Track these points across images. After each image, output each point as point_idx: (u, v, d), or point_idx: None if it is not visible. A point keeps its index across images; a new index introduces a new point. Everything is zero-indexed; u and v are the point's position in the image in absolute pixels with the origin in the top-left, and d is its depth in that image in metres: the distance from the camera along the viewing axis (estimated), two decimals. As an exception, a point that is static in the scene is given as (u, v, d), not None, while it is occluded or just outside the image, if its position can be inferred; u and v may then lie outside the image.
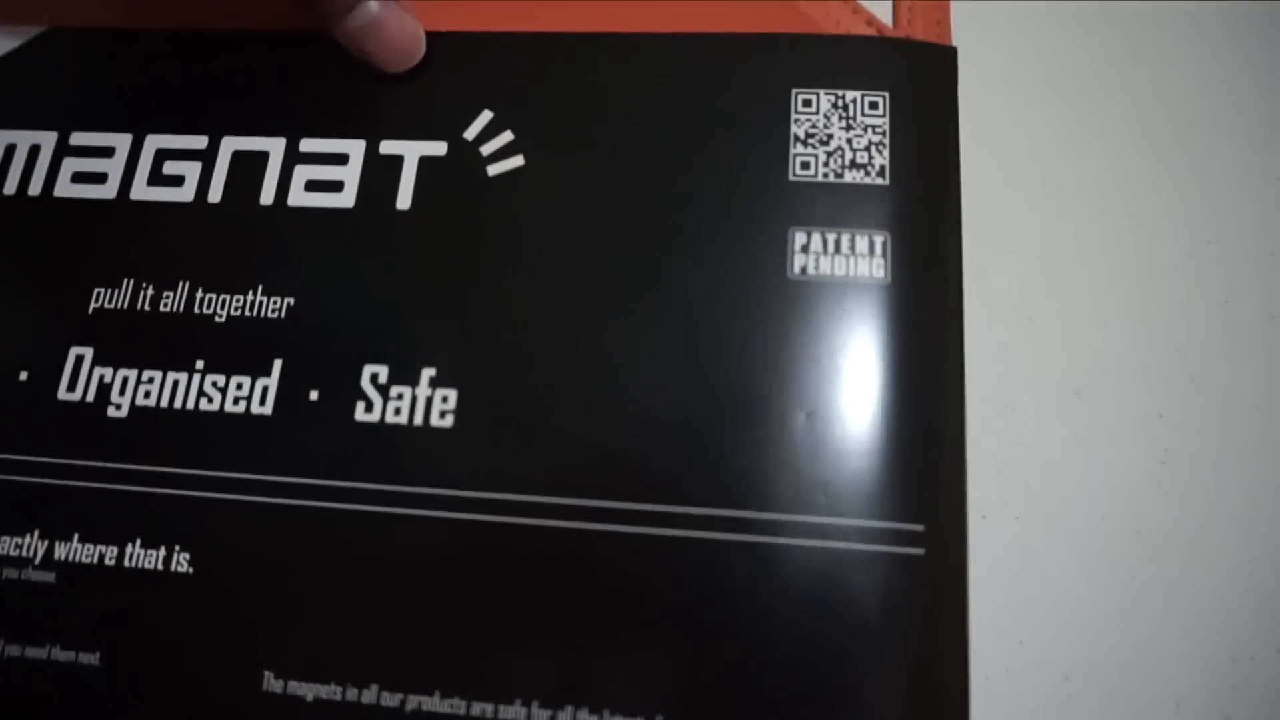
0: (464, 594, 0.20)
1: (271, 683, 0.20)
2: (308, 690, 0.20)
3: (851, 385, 0.21)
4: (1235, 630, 0.22)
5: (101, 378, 0.23)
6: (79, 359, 0.23)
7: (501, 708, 0.19)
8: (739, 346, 0.21)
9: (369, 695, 0.20)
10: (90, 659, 0.21)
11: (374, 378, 0.22)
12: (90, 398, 0.23)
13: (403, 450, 0.21)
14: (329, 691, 0.20)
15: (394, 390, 0.22)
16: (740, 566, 0.20)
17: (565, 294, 0.22)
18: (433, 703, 0.20)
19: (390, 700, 0.20)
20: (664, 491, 0.20)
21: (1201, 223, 0.25)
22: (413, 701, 0.20)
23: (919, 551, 0.20)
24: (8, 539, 0.22)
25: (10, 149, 0.25)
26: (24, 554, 0.22)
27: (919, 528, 0.20)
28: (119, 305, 0.23)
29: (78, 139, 0.25)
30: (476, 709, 0.19)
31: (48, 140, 0.25)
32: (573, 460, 0.21)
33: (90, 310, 0.24)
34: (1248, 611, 0.22)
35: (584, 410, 0.21)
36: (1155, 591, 0.22)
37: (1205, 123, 0.25)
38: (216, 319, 0.23)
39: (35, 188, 0.25)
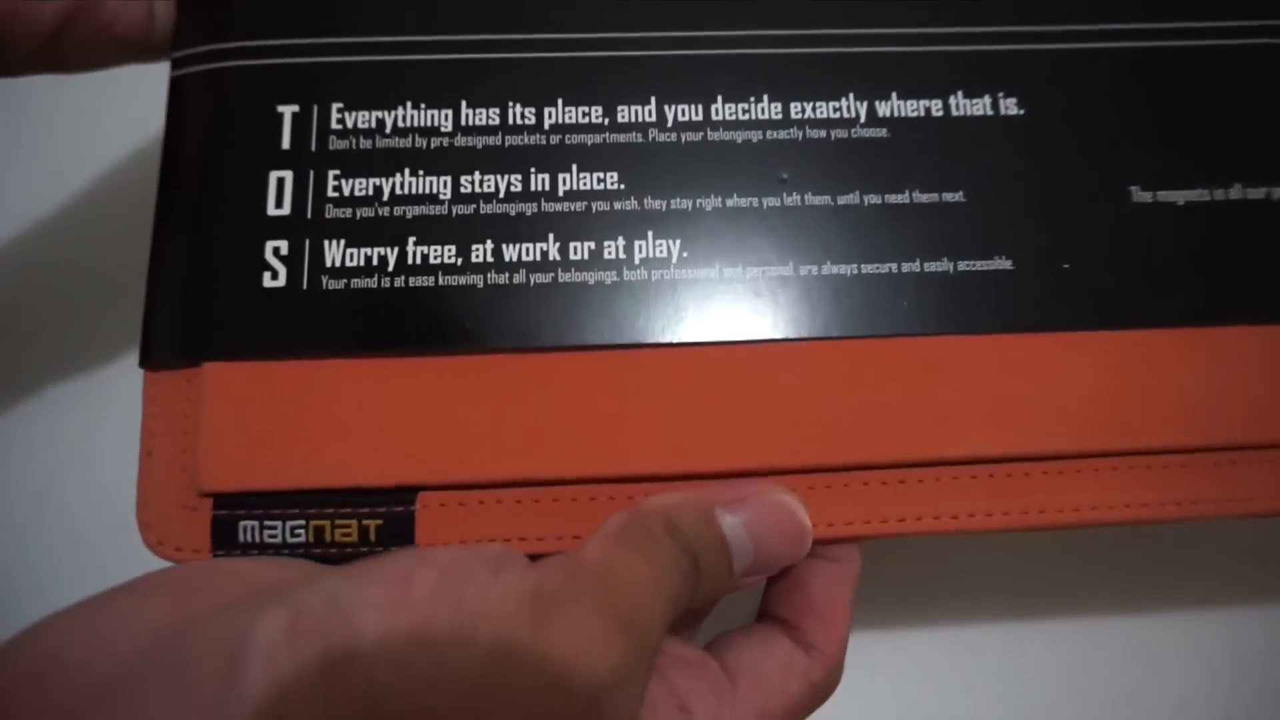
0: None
1: (1139, 195, 0.22)
2: (1178, 196, 0.22)
3: None
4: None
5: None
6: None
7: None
8: None
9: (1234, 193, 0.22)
10: (953, 196, 0.22)
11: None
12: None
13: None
14: (1198, 195, 0.22)
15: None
16: None
17: None
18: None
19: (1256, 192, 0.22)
20: None
21: None
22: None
23: None
24: (823, 104, 0.22)
25: None
26: (846, 115, 0.22)
27: None
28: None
29: None
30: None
31: None
32: None
33: None
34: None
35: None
36: None
37: None
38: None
39: None
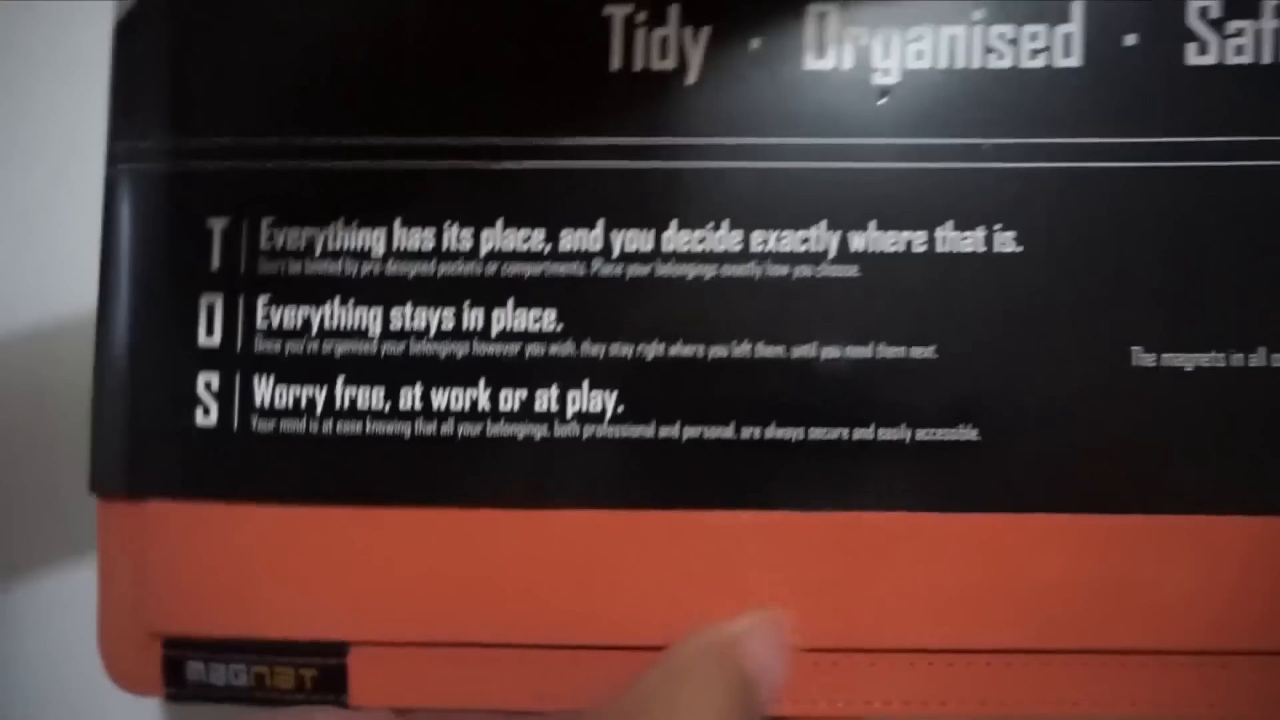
0: None
1: (1141, 357, 0.19)
2: (1187, 360, 0.19)
3: None
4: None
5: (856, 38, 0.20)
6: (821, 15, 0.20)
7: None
8: None
9: (1256, 359, 0.19)
10: (923, 352, 0.19)
11: (1203, 12, 0.19)
12: (845, 64, 0.20)
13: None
14: (1211, 359, 0.19)
15: (1232, 25, 0.19)
16: None
17: None
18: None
19: (1283, 362, 0.19)
20: None
21: None
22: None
23: None
24: (790, 234, 0.20)
25: None
26: (814, 248, 0.20)
27: None
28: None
29: None
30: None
31: None
32: None
33: None
34: None
35: None
36: None
37: None
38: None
39: None
